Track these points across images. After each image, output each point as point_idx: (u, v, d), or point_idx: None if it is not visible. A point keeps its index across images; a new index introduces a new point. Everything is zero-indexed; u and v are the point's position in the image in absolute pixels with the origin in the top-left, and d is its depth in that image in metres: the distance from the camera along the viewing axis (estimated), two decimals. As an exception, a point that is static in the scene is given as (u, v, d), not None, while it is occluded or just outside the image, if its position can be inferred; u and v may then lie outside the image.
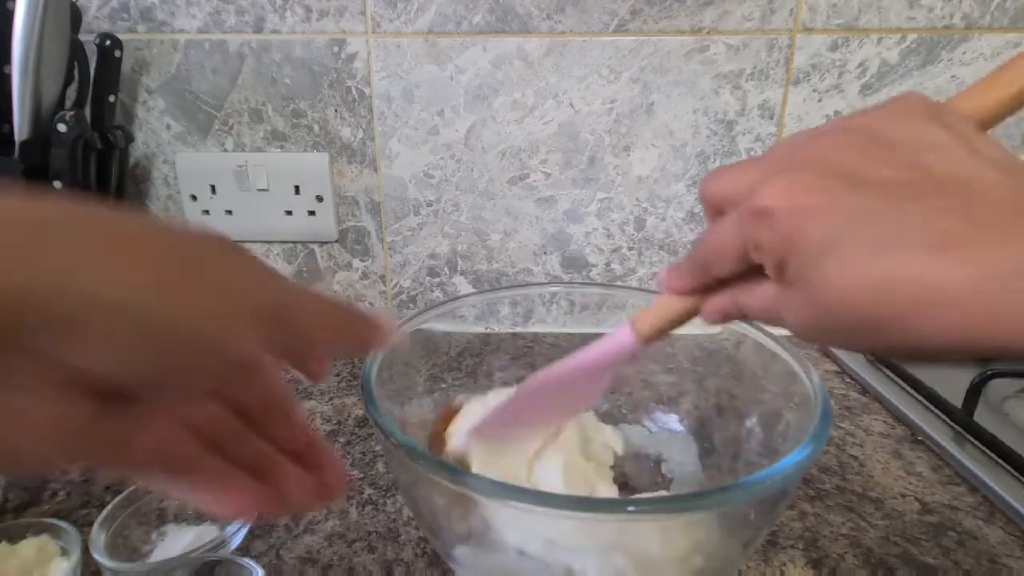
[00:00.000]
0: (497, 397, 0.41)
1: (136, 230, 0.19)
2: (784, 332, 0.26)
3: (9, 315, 0.16)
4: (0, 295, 0.16)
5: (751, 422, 0.41)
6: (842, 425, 0.55)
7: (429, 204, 0.71)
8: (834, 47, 0.63)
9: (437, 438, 0.41)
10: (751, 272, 0.25)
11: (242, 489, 0.23)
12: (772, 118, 0.66)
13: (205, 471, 0.23)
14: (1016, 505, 0.43)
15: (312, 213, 0.70)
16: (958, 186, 0.20)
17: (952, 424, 0.52)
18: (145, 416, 0.20)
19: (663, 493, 0.42)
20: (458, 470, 0.28)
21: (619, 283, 0.73)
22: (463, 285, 0.74)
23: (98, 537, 0.38)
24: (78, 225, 0.18)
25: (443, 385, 0.47)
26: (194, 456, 0.22)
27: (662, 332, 0.31)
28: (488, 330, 0.50)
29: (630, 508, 0.26)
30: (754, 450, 0.40)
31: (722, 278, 0.27)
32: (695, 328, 0.48)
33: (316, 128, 0.68)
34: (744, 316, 0.27)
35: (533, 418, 0.38)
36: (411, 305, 0.75)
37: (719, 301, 0.28)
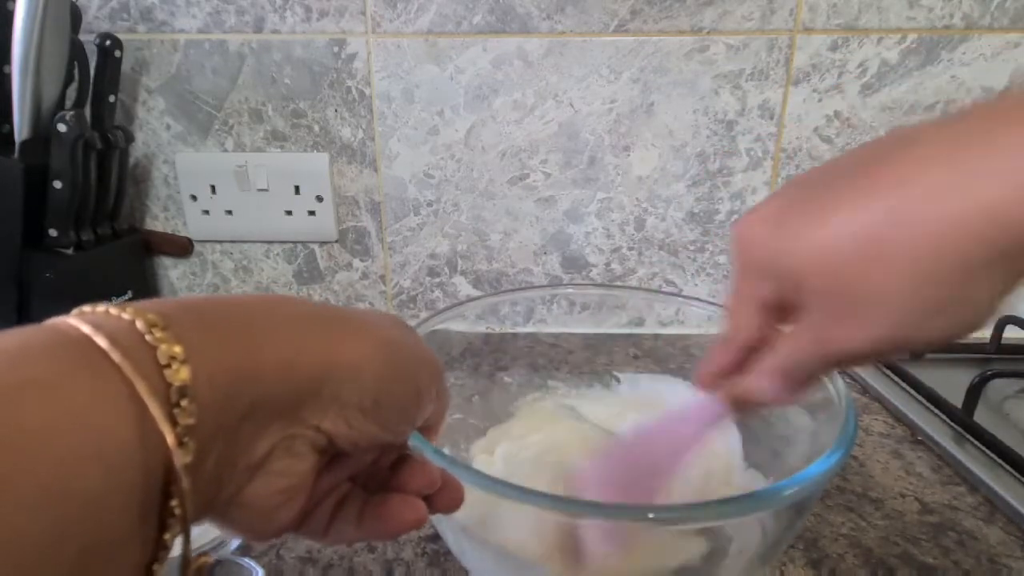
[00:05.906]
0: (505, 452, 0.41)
1: (356, 318, 0.22)
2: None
3: (298, 394, 0.19)
4: (297, 375, 0.19)
5: (764, 428, 0.40)
6: (842, 425, 0.55)
7: (429, 204, 0.71)
8: (834, 47, 0.63)
9: None
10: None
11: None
12: (772, 118, 0.66)
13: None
14: (1016, 505, 0.43)
15: (312, 213, 0.70)
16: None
17: (952, 424, 0.52)
18: (340, 472, 0.23)
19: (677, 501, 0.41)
20: (467, 467, 0.28)
21: (619, 283, 0.73)
22: (463, 285, 0.74)
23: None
24: (330, 319, 0.21)
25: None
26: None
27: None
28: (489, 330, 0.50)
29: (651, 515, 0.26)
30: (765, 455, 0.39)
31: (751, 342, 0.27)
32: (698, 328, 0.48)
33: (316, 128, 0.68)
34: (804, 375, 0.25)
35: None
36: (411, 305, 0.75)
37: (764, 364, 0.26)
